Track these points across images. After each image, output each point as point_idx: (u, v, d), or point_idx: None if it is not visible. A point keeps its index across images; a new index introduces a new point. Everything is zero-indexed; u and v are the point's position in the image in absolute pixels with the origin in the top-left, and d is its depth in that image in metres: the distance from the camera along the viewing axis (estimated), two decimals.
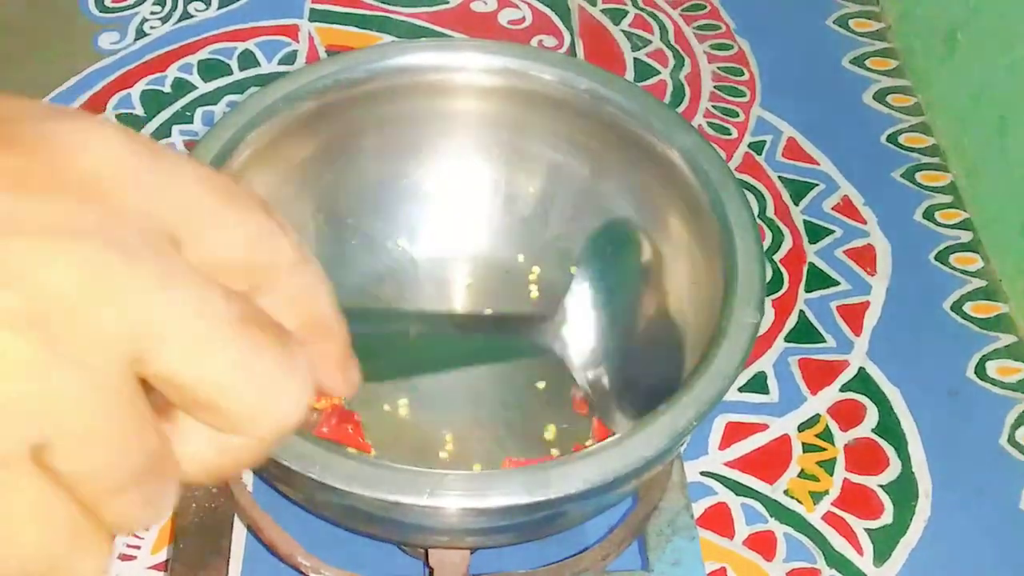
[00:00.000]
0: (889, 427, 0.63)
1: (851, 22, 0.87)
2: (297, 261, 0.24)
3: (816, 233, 0.72)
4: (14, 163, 0.20)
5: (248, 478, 0.57)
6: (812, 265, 0.71)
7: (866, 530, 0.59)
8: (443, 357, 0.55)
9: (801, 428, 0.63)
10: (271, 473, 0.48)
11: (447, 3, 0.87)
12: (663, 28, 0.86)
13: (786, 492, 0.60)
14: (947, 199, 0.75)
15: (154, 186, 0.21)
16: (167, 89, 0.79)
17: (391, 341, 0.50)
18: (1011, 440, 0.63)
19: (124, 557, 0.56)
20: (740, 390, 0.64)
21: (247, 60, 0.81)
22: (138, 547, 0.56)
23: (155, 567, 0.56)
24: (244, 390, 0.22)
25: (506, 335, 0.55)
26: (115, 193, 0.21)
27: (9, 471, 0.19)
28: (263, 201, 0.24)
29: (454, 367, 0.57)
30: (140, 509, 0.21)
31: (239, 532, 0.56)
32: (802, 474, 0.61)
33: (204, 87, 0.79)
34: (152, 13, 0.84)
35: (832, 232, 0.73)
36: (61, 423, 0.20)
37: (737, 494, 0.60)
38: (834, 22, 0.87)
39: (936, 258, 0.72)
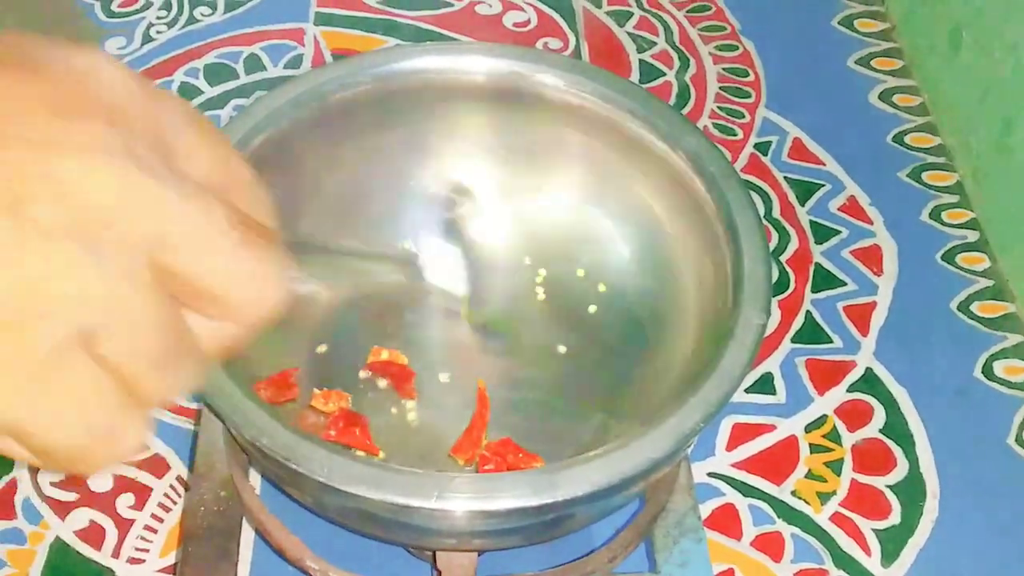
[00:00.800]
0: (896, 427, 0.63)
1: (856, 22, 0.87)
2: (251, 177, 0.29)
3: (822, 234, 0.72)
4: (44, 89, 0.24)
5: (256, 481, 0.57)
6: (819, 266, 0.71)
7: (874, 531, 0.59)
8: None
9: (808, 429, 0.63)
10: (280, 476, 0.48)
11: (452, 6, 0.87)
12: (668, 29, 0.86)
13: (793, 493, 0.60)
14: (953, 199, 0.75)
15: (156, 112, 0.25)
16: (173, 93, 0.79)
17: None
18: (1019, 440, 0.63)
19: (133, 560, 0.56)
20: (747, 391, 0.64)
21: (253, 64, 0.81)
22: (147, 550, 0.56)
23: (164, 570, 0.56)
24: (241, 281, 0.26)
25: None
26: (132, 117, 0.24)
27: (65, 357, 0.23)
28: (223, 132, 0.29)
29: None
30: (173, 382, 0.25)
31: (247, 535, 0.56)
32: (809, 475, 0.61)
33: (210, 91, 0.79)
34: (158, 18, 0.85)
35: (838, 232, 0.73)
36: (106, 313, 0.23)
37: (744, 495, 0.60)
38: (839, 22, 0.87)
39: (943, 258, 0.72)
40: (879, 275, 0.70)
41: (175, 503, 0.58)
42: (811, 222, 0.73)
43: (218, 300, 0.25)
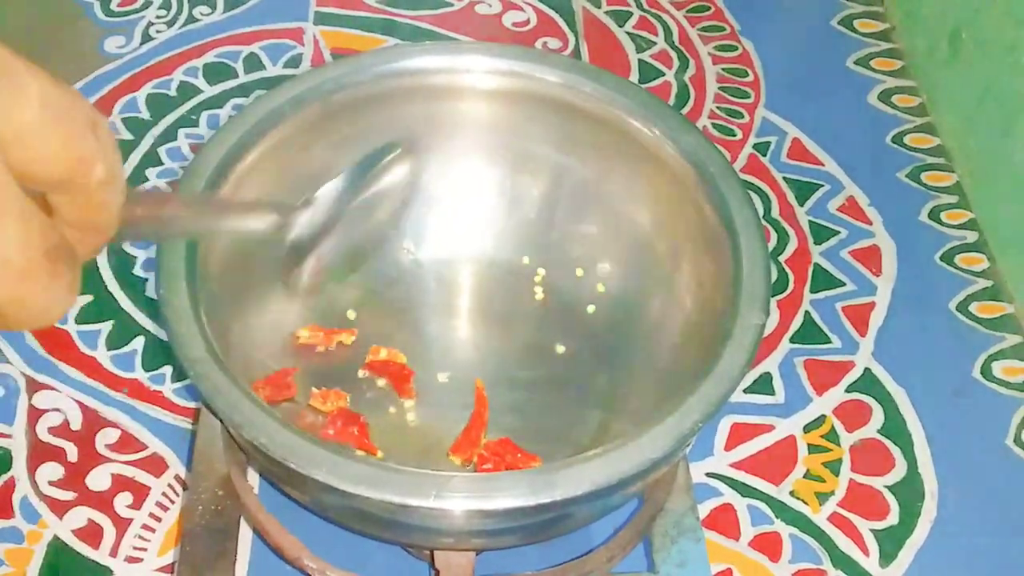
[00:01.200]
0: (895, 428, 0.63)
1: (856, 23, 0.87)
2: (104, 181, 0.27)
3: (821, 234, 0.72)
4: None
5: (254, 480, 0.57)
6: (817, 266, 0.71)
7: (872, 531, 0.59)
8: None
9: (807, 429, 0.63)
10: (278, 476, 0.48)
11: (451, 6, 0.87)
12: (667, 30, 0.86)
13: (792, 493, 0.60)
14: (952, 199, 0.75)
15: None
16: (173, 93, 0.79)
17: None
18: (1017, 440, 0.63)
19: (131, 559, 0.56)
20: (745, 391, 0.64)
21: (252, 63, 0.81)
22: (145, 549, 0.56)
23: (162, 569, 0.56)
24: (33, 307, 0.25)
25: None
26: None
27: None
28: (97, 119, 0.26)
29: None
30: None
31: (245, 535, 0.56)
32: (808, 475, 0.61)
33: (210, 90, 0.79)
34: (158, 17, 0.85)
35: (837, 233, 0.73)
36: None
37: (743, 495, 0.60)
38: (839, 23, 0.87)
39: (942, 258, 0.72)
40: (878, 275, 0.70)
41: (173, 502, 0.58)
42: (810, 222, 0.73)
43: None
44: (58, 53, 0.83)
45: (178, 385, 0.63)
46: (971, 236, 0.73)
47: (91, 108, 0.26)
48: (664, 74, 0.83)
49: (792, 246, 0.72)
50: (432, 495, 0.42)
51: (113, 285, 0.67)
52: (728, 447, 0.62)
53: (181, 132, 0.76)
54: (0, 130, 0.24)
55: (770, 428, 0.63)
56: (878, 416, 0.63)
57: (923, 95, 0.82)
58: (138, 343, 0.65)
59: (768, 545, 0.58)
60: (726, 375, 0.46)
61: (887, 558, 0.58)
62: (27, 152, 0.24)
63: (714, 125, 0.79)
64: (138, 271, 0.68)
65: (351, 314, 0.60)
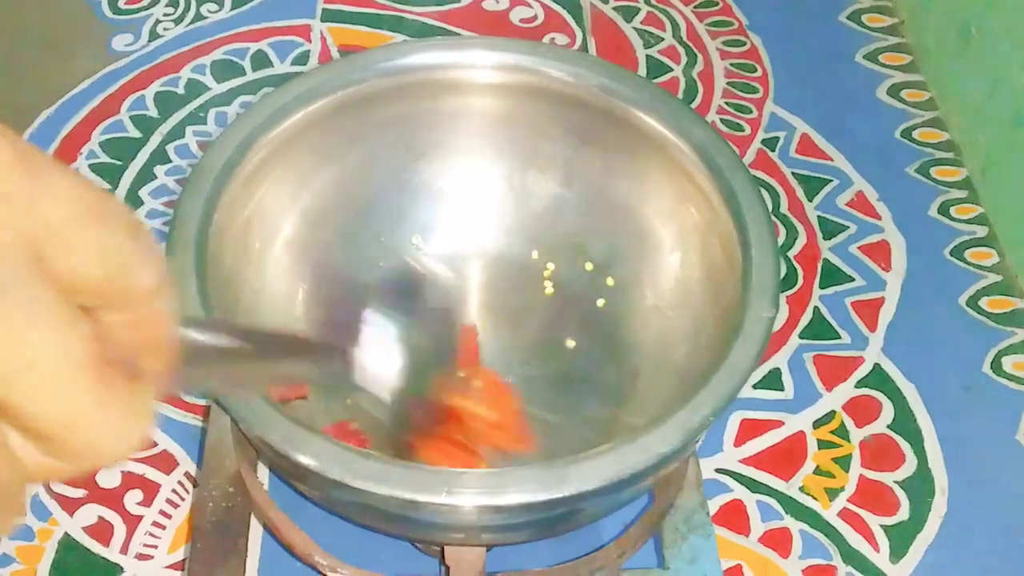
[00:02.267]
0: (905, 423, 0.63)
1: (864, 17, 0.87)
2: (152, 290, 0.24)
3: (830, 229, 0.72)
4: None
5: (264, 477, 0.57)
6: (827, 261, 0.71)
7: (882, 526, 0.59)
8: None
9: (816, 425, 0.63)
10: (289, 472, 0.48)
11: (458, 2, 0.87)
12: (675, 25, 0.86)
13: (801, 489, 0.60)
14: (962, 194, 0.75)
15: (24, 199, 0.21)
16: (181, 90, 0.79)
17: None
18: None
19: (141, 557, 0.56)
20: (755, 387, 0.64)
21: (260, 61, 0.81)
22: (155, 546, 0.56)
23: (172, 566, 0.56)
24: (82, 427, 0.22)
25: None
26: None
27: None
28: (136, 223, 0.24)
29: None
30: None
31: (256, 531, 0.56)
32: (817, 471, 0.61)
33: (218, 88, 0.79)
34: (165, 15, 0.85)
35: (846, 228, 0.72)
36: None
37: (752, 491, 0.60)
38: (847, 17, 0.87)
39: (951, 253, 0.71)
40: (887, 270, 0.70)
41: (183, 499, 0.58)
42: (819, 218, 0.73)
43: (52, 442, 0.22)
44: (66, 51, 0.83)
45: None
46: (981, 231, 0.73)
47: (130, 212, 0.24)
48: (672, 70, 0.82)
49: (801, 241, 0.71)
50: (443, 491, 0.42)
51: None
52: (738, 443, 0.62)
53: (189, 130, 0.77)
54: (30, 230, 0.21)
55: (779, 424, 0.63)
56: (888, 412, 0.63)
57: (932, 90, 0.81)
58: None
59: (778, 541, 0.58)
60: (736, 369, 0.46)
61: (897, 554, 0.58)
62: (63, 253, 0.22)
63: (722, 120, 0.79)
64: None
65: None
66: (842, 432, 0.62)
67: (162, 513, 0.58)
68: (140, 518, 0.58)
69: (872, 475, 0.61)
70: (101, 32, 0.83)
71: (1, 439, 0.22)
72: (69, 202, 0.22)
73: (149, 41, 0.83)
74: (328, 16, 0.85)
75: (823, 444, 0.62)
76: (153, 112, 0.78)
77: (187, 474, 0.59)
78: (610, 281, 0.60)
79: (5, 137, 0.21)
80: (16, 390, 0.21)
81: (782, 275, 0.61)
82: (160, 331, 0.25)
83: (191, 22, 0.84)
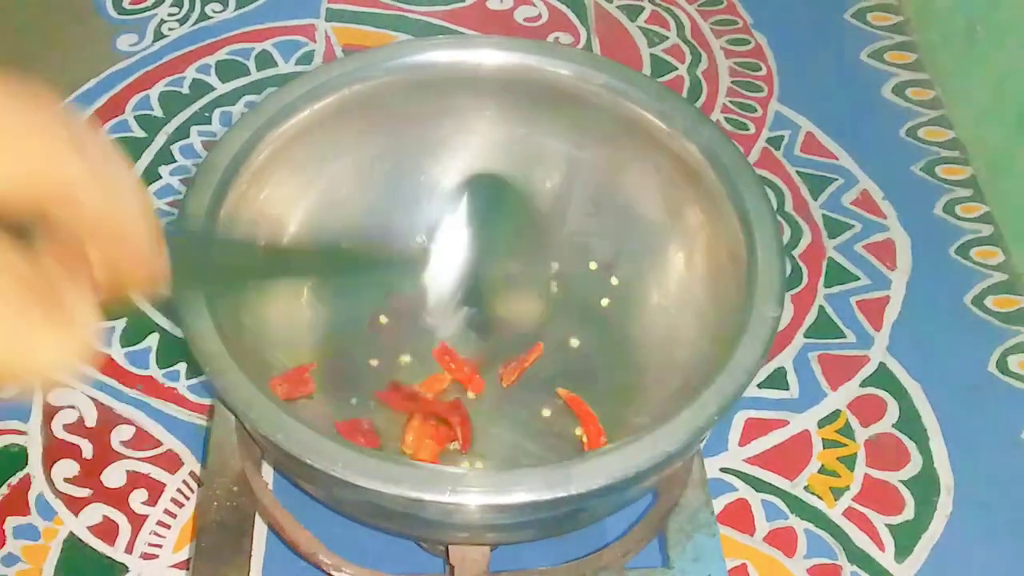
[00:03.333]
0: (910, 422, 0.63)
1: (869, 16, 0.87)
2: (97, 174, 0.24)
3: (835, 228, 0.72)
4: None
5: (269, 476, 0.57)
6: (831, 260, 0.70)
7: (887, 526, 0.58)
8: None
9: (821, 424, 0.62)
10: (294, 471, 0.48)
11: (463, 1, 0.87)
12: (679, 24, 0.86)
13: (807, 488, 0.60)
14: (967, 193, 0.75)
15: None
16: (185, 90, 0.79)
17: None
18: None
19: (146, 556, 0.56)
20: (760, 386, 0.64)
21: (264, 60, 0.81)
22: (160, 546, 0.57)
23: (177, 565, 0.56)
24: (16, 350, 0.23)
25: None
26: None
27: None
28: (81, 140, 0.24)
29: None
30: None
31: (260, 530, 0.56)
32: (823, 470, 0.61)
33: (222, 88, 0.79)
34: (170, 15, 0.85)
35: (851, 227, 0.72)
36: None
37: (757, 490, 0.59)
38: (852, 16, 0.87)
39: (957, 252, 0.71)
40: (892, 269, 0.70)
41: (188, 499, 0.58)
42: (824, 216, 0.73)
43: None
44: (70, 51, 0.83)
45: (192, 381, 0.63)
46: (986, 229, 0.72)
47: (81, 127, 0.24)
48: (676, 68, 0.82)
49: (806, 240, 0.71)
50: (448, 490, 0.42)
51: None
52: (742, 442, 0.62)
53: (194, 129, 0.77)
54: None
55: (784, 423, 0.62)
56: (893, 411, 0.63)
57: (937, 88, 0.81)
58: (152, 340, 0.65)
59: (783, 540, 0.58)
60: (741, 368, 0.46)
61: (903, 553, 0.57)
62: None
63: (727, 119, 0.79)
64: None
65: (383, 319, 0.60)
66: (847, 431, 0.62)
67: (167, 512, 0.58)
68: (145, 517, 0.58)
69: (877, 474, 0.60)
70: (106, 32, 0.84)
71: None
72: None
73: (154, 41, 0.83)
74: (332, 16, 0.85)
75: (828, 443, 0.62)
76: (158, 112, 0.78)
77: (192, 473, 0.59)
78: (615, 280, 0.60)
79: None
80: None
81: (787, 274, 0.61)
82: (114, 216, 0.25)
83: (196, 22, 0.84)
